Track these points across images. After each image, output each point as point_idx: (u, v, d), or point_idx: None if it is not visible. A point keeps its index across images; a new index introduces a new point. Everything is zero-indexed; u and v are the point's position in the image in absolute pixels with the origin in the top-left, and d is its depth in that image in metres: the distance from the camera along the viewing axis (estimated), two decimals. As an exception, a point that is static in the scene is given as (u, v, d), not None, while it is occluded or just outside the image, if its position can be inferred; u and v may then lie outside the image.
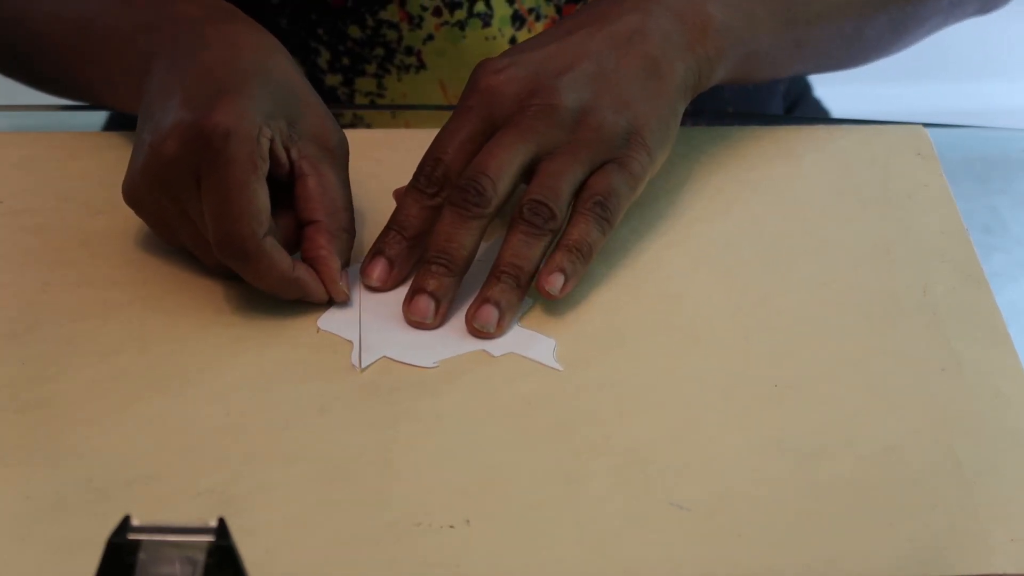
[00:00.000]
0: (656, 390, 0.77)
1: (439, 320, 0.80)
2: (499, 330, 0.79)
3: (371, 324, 0.80)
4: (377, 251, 0.82)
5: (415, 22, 1.01)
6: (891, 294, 0.82)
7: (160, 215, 0.80)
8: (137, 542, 0.57)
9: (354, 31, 1.02)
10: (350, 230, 0.82)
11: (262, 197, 0.77)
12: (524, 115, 0.81)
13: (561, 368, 0.78)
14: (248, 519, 0.69)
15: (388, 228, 0.82)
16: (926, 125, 0.94)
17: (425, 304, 0.80)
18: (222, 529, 0.57)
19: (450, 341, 0.79)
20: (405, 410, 0.75)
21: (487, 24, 1.01)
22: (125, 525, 0.57)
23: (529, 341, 0.79)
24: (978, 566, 0.68)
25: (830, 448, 0.74)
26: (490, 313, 0.79)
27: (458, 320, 0.80)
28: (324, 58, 1.03)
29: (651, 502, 0.71)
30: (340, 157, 0.82)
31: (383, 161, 0.89)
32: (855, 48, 0.94)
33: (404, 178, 0.85)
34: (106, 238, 0.84)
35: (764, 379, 0.77)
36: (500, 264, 0.80)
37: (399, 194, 0.84)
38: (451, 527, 0.70)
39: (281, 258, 0.78)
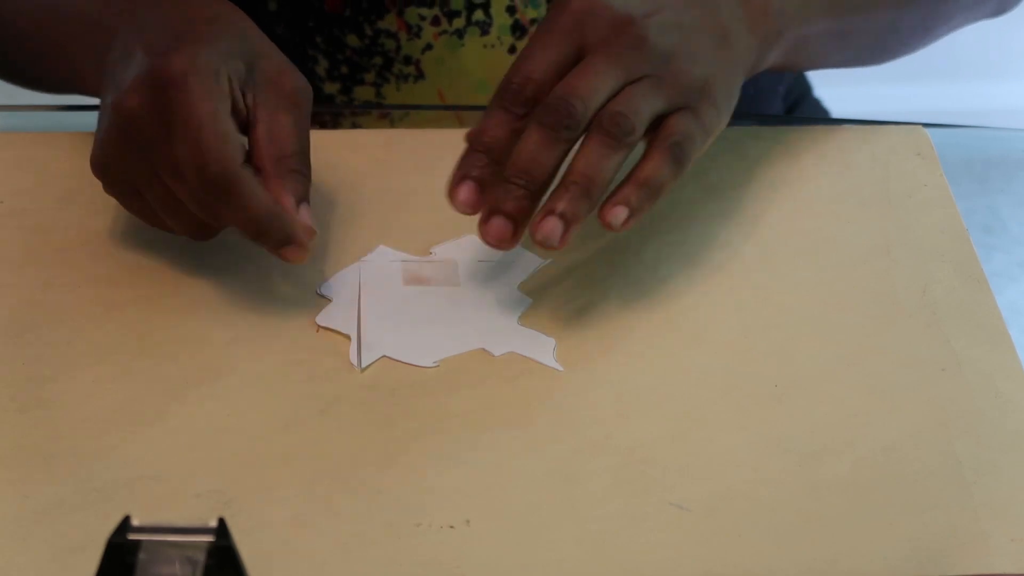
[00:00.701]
0: (656, 390, 0.77)
1: (515, 243, 0.78)
2: (563, 244, 0.76)
3: (371, 323, 0.80)
4: (464, 175, 0.78)
5: (413, 31, 1.01)
6: (891, 294, 0.82)
7: (128, 180, 0.79)
8: (137, 542, 0.57)
9: (352, 40, 1.02)
10: (302, 171, 0.79)
11: (232, 125, 0.77)
12: (617, 43, 0.79)
13: (561, 368, 0.78)
14: (248, 519, 0.69)
15: (472, 150, 0.79)
16: (926, 125, 0.94)
17: (502, 226, 0.77)
18: (222, 529, 0.57)
19: (450, 340, 0.79)
20: (405, 410, 0.75)
21: (485, 32, 1.01)
22: (125, 525, 0.57)
23: (529, 340, 0.79)
24: (978, 566, 0.68)
25: (830, 448, 0.74)
26: (554, 226, 0.76)
27: (458, 319, 0.80)
28: (322, 66, 1.03)
29: (651, 502, 0.71)
30: (300, 103, 0.80)
31: (383, 161, 0.89)
32: (890, 41, 0.95)
33: (404, 178, 0.85)
34: (106, 238, 0.84)
35: (764, 379, 0.77)
36: (571, 174, 0.77)
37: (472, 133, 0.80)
38: (451, 527, 0.70)
39: (261, 190, 0.77)
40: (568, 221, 0.76)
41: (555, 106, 0.77)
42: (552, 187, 0.78)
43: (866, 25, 0.92)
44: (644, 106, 0.78)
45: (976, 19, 1.01)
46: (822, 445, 0.74)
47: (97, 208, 0.86)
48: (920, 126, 0.94)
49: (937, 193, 0.89)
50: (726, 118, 0.83)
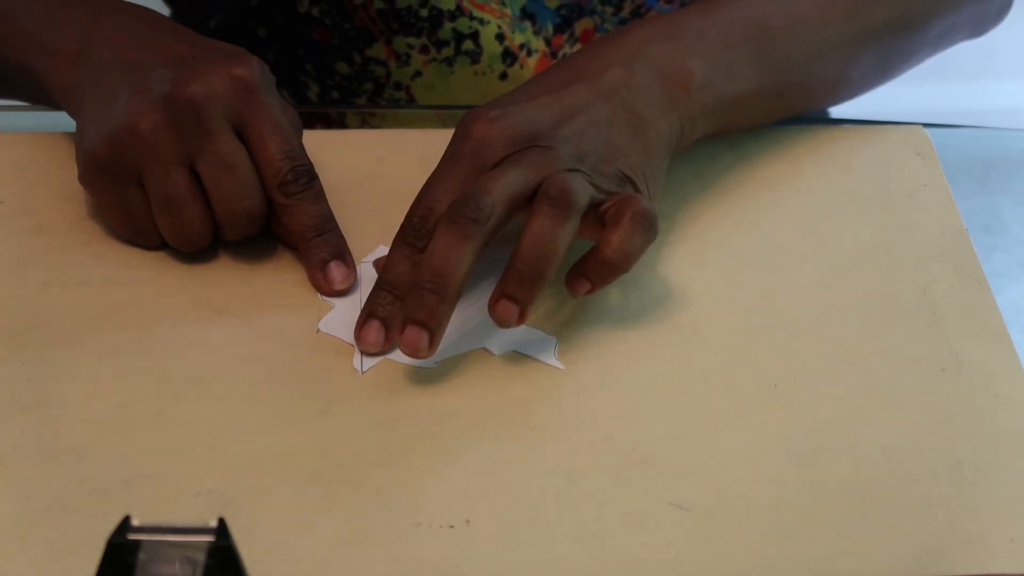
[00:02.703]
0: (656, 390, 0.77)
1: (433, 350, 0.75)
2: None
3: (371, 324, 0.80)
4: (370, 314, 0.78)
5: (402, 59, 1.01)
6: (891, 294, 0.82)
7: (133, 174, 0.80)
8: (137, 542, 0.57)
9: (342, 67, 1.02)
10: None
11: None
12: (524, 153, 0.78)
13: (563, 367, 0.78)
14: (248, 519, 0.69)
15: (379, 288, 0.78)
16: (926, 125, 0.94)
17: (417, 335, 0.75)
18: (222, 529, 0.57)
19: (451, 339, 0.79)
20: (405, 410, 0.75)
21: (476, 61, 1.01)
22: (125, 525, 0.57)
23: (530, 340, 0.79)
24: (978, 566, 0.68)
25: (830, 448, 0.74)
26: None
27: (458, 318, 0.80)
28: (313, 91, 1.04)
29: (651, 502, 0.71)
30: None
31: (383, 161, 0.89)
32: (841, 88, 0.93)
33: (404, 178, 0.85)
34: (106, 238, 0.84)
35: (764, 379, 0.77)
36: (519, 258, 0.76)
37: (380, 265, 0.81)
38: (451, 527, 0.70)
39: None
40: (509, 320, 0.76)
41: (462, 202, 0.75)
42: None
43: (807, 80, 0.90)
44: (559, 243, 0.76)
45: (947, 47, 0.97)
46: (822, 445, 0.74)
47: (97, 208, 0.86)
48: (920, 126, 0.94)
49: (937, 193, 0.89)
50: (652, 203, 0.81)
